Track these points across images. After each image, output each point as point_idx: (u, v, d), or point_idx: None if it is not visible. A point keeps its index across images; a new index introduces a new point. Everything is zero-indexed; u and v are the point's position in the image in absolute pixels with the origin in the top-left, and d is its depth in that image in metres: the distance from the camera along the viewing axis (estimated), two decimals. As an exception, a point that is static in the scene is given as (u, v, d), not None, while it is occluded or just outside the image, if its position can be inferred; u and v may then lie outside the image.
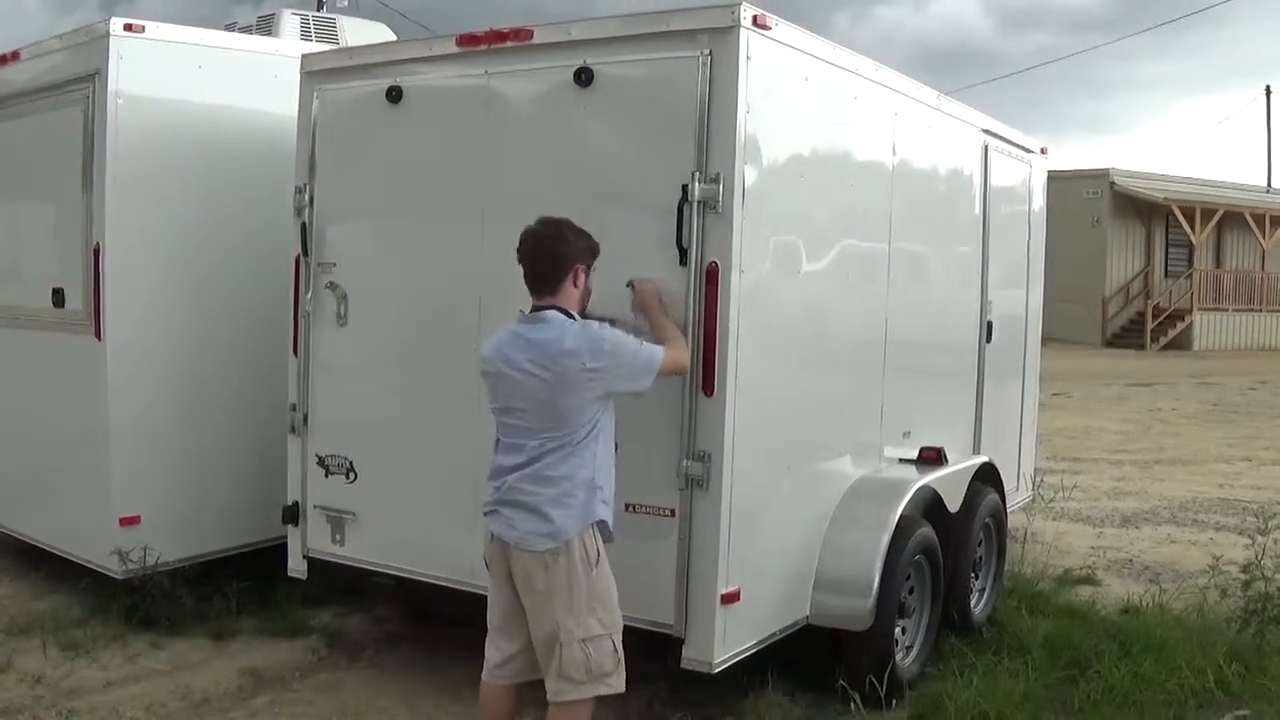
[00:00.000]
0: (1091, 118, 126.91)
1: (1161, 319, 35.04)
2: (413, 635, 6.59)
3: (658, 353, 4.51)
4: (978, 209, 7.28)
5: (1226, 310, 36.00)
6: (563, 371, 4.31)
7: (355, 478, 5.93)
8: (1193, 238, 34.89)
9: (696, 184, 4.80)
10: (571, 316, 4.43)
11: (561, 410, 4.34)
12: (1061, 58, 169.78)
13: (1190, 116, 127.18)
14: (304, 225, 6.01)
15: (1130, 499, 11.32)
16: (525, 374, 4.35)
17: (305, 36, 8.41)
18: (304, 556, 6.14)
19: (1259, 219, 36.36)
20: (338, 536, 5.98)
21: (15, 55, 7.17)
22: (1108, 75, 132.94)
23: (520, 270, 4.53)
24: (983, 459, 6.91)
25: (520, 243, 4.52)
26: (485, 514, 4.56)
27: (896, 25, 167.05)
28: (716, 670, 4.96)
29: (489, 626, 4.68)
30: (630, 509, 4.86)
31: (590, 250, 4.56)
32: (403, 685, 5.91)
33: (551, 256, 4.47)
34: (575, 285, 4.49)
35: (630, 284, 4.87)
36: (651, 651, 4.92)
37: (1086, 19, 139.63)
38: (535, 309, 4.47)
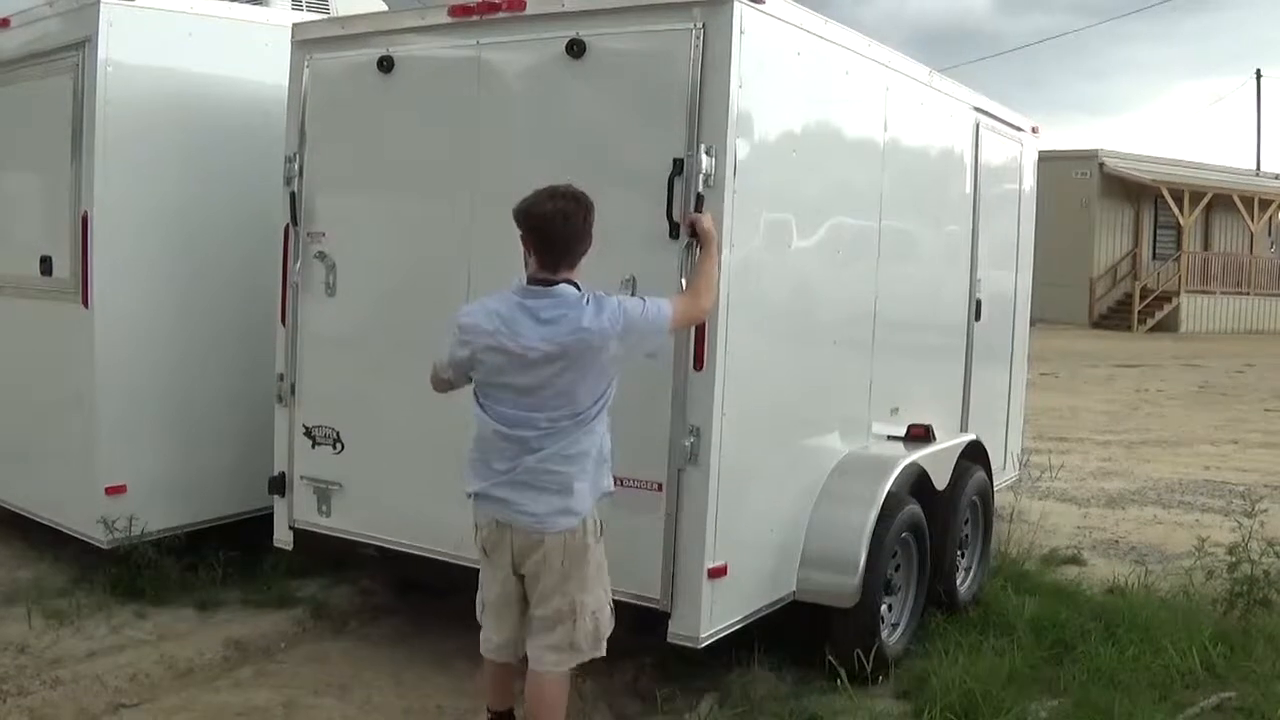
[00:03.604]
0: (1087, 99, 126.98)
1: (1149, 301, 35.15)
2: (398, 607, 6.60)
3: (665, 308, 4.33)
4: (968, 187, 7.26)
5: (1214, 293, 36.09)
6: (582, 351, 4.14)
7: (342, 448, 5.92)
8: (1181, 220, 34.95)
9: (687, 157, 4.77)
10: (578, 288, 4.24)
11: (580, 389, 4.19)
12: (1057, 35, 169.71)
13: (1184, 99, 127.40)
14: (293, 195, 5.99)
15: (1116, 479, 11.35)
16: (538, 353, 4.15)
17: (296, 6, 8.35)
18: (290, 527, 6.14)
19: (1247, 202, 36.45)
20: (324, 507, 5.98)
21: (5, 22, 7.10)
22: (1104, 58, 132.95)
23: (509, 240, 4.36)
24: (970, 437, 6.92)
25: (543, 216, 4.23)
26: (481, 497, 4.38)
27: (900, 4, 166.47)
28: (703, 645, 4.98)
29: (486, 606, 4.56)
30: (618, 483, 4.83)
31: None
32: (388, 656, 5.90)
33: (577, 235, 4.24)
34: (584, 257, 4.31)
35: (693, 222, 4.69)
36: (638, 626, 4.91)
37: (1086, 1, 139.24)
38: (544, 281, 4.24)
